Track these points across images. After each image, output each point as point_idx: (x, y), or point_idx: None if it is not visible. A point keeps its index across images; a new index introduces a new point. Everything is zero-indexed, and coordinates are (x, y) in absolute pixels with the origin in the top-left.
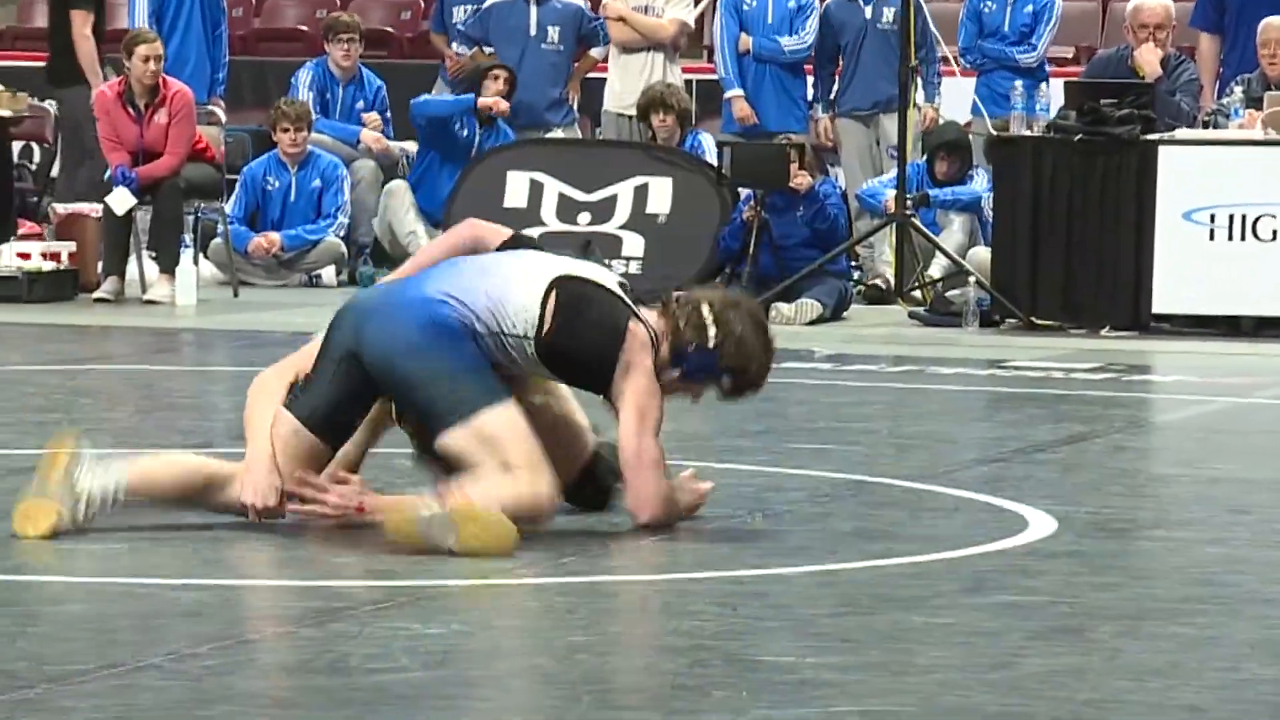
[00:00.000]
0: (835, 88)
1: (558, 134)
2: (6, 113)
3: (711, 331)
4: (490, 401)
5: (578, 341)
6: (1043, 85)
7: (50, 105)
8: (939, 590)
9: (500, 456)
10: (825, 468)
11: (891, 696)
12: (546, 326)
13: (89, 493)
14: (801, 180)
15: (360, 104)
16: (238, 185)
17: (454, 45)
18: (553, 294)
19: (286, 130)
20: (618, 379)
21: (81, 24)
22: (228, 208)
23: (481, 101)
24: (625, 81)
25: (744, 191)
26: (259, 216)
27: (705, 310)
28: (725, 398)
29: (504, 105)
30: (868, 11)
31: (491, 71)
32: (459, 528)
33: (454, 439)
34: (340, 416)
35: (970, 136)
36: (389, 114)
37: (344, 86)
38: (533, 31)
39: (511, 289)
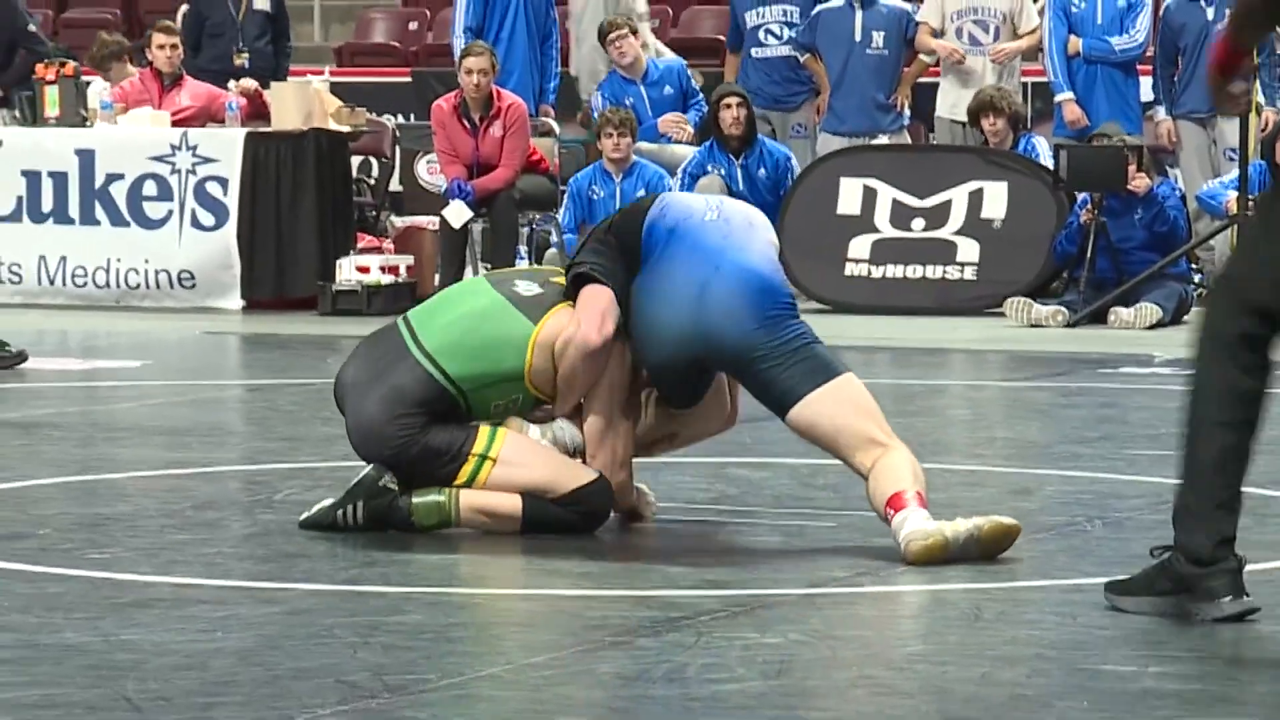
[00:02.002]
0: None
1: (883, 140)
2: (345, 128)
3: None
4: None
5: None
6: None
7: (388, 120)
8: None
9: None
10: (1167, 474)
11: (1237, 707)
12: None
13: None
14: (1140, 182)
15: (668, 89)
16: (566, 196)
17: (754, 51)
18: None
19: (610, 136)
20: None
21: None
22: (561, 218)
23: None
24: (960, 86)
25: (1080, 195)
26: (586, 226)
27: None
28: None
29: None
30: (1209, 12)
31: (724, 100)
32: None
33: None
34: None
35: None
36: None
37: (641, 84)
38: (857, 36)
39: None
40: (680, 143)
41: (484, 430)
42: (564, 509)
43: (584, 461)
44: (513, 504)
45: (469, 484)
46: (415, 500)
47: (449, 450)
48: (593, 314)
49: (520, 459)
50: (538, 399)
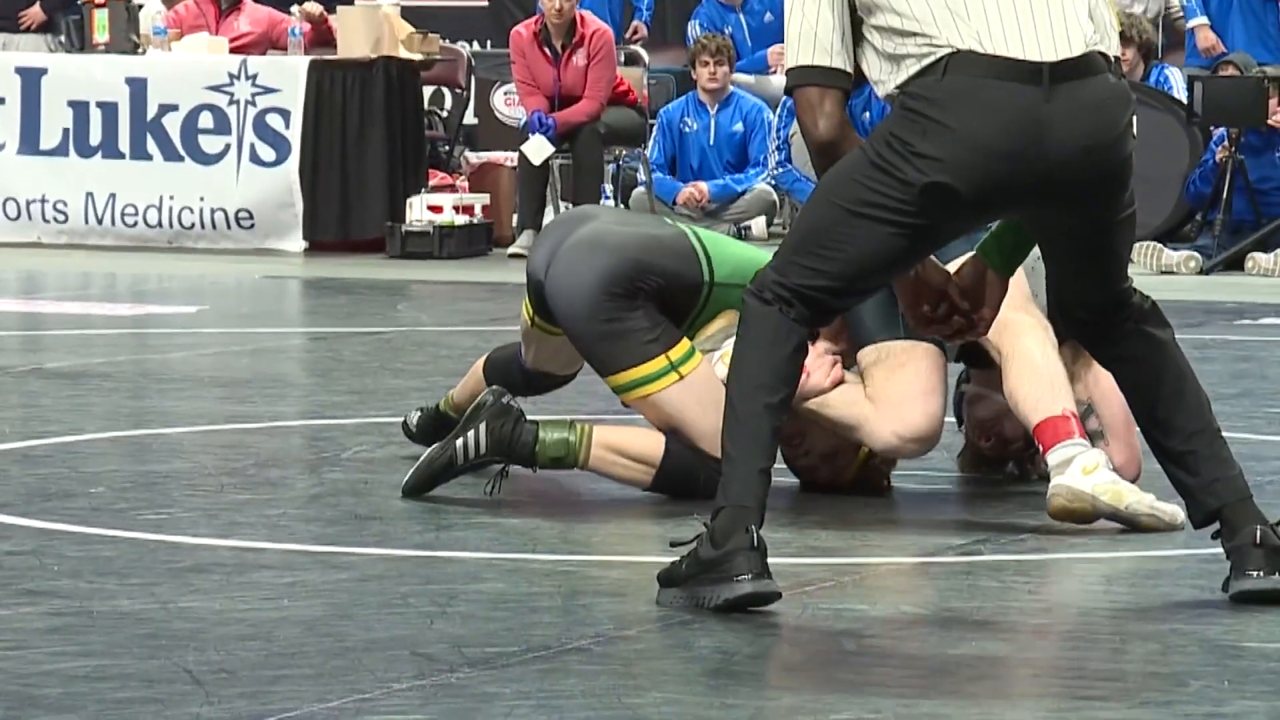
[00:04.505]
0: None
1: None
2: (417, 56)
3: None
4: None
5: None
6: None
7: (462, 47)
8: None
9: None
10: None
11: None
12: None
13: None
14: None
15: (769, 17)
16: (655, 129)
17: None
18: None
19: (706, 64)
20: None
21: None
22: (649, 153)
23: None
24: None
25: (1216, 130)
26: (677, 161)
27: None
28: None
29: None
30: None
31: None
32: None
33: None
34: None
35: None
36: None
37: (739, 12)
38: None
39: None
40: None
41: (686, 343)
42: (707, 464)
43: None
44: (654, 446)
45: (640, 385)
46: (542, 433)
47: (652, 332)
48: None
49: (704, 391)
50: None
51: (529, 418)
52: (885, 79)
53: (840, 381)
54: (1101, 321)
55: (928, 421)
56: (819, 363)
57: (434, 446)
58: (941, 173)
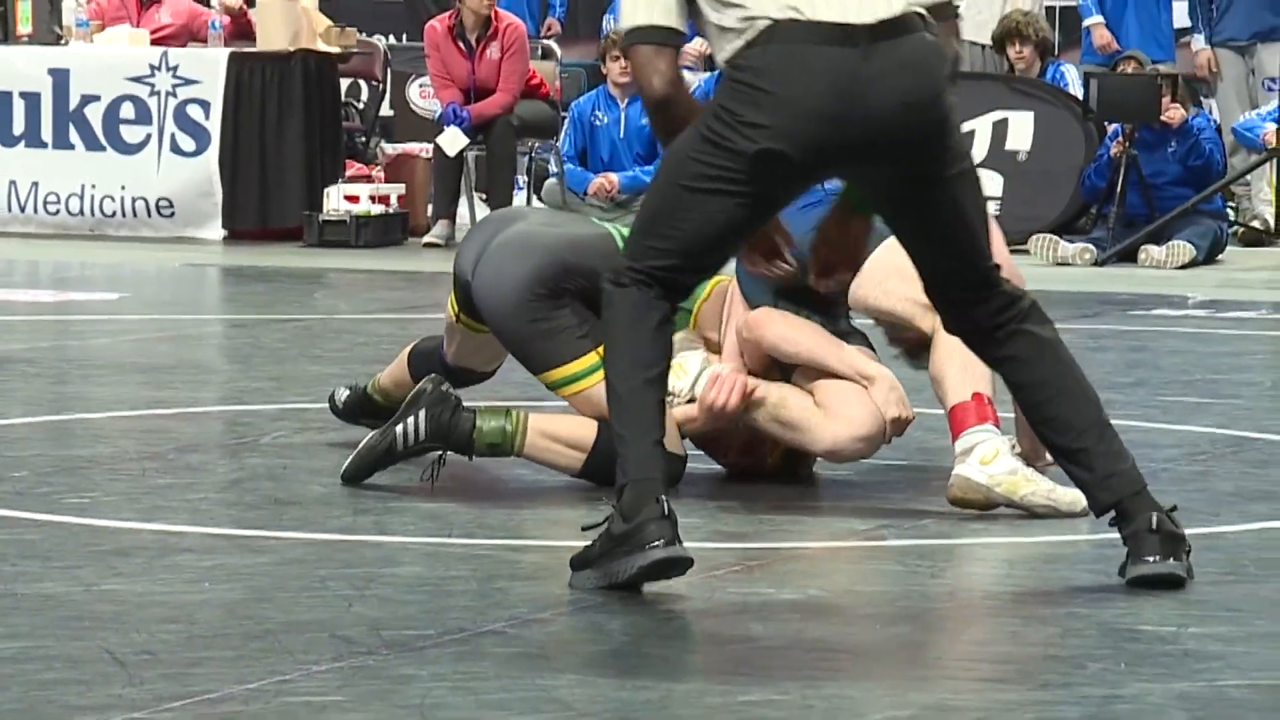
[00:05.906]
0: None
1: None
2: (334, 49)
3: None
4: None
5: None
6: None
7: (379, 40)
8: None
9: None
10: (1203, 423)
11: None
12: None
13: None
14: (1174, 114)
15: None
16: (566, 122)
17: None
18: None
19: (617, 59)
20: None
21: None
22: (561, 146)
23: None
24: (980, 9)
25: (1111, 126)
26: (588, 153)
27: None
28: None
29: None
30: None
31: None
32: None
33: None
34: None
35: None
36: None
37: None
38: None
39: None
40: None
41: None
42: None
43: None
44: (587, 431)
45: (573, 381)
46: (480, 420)
47: (581, 329)
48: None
49: None
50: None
51: (467, 405)
52: (717, 50)
53: (750, 394)
54: (974, 300)
55: (875, 421)
56: (725, 382)
57: (373, 434)
58: (770, 139)
